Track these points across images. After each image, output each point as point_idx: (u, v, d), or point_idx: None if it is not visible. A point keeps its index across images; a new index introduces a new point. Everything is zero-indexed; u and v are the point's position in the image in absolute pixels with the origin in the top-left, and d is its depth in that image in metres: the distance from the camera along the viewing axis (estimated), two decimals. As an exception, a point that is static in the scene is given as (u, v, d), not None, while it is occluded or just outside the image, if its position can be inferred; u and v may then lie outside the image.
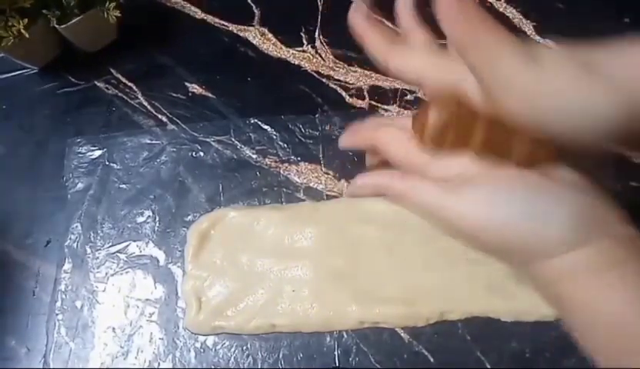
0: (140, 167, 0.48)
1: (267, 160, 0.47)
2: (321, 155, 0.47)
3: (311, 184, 0.46)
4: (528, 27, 0.51)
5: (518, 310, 0.39)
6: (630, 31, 0.53)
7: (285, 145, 0.48)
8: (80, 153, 0.49)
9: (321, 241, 0.42)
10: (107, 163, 0.48)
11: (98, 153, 0.49)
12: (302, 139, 0.48)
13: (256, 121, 0.49)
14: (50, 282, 0.44)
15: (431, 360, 0.39)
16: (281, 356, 0.40)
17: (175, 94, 0.51)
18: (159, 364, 0.41)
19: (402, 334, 0.40)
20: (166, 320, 0.42)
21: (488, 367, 0.39)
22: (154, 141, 0.49)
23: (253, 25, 0.54)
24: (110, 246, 0.45)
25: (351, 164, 0.46)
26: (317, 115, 0.48)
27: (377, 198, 0.44)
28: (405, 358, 0.39)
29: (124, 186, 0.47)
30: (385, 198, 0.30)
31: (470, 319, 0.40)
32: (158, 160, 0.48)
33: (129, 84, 0.52)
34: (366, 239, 0.42)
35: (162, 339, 0.41)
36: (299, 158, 0.47)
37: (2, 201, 0.48)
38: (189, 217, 0.45)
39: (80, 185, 0.47)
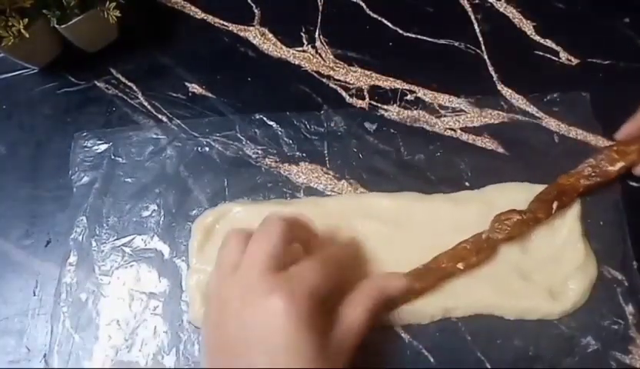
0: (145, 162, 0.48)
1: (267, 160, 0.47)
2: (326, 151, 0.47)
3: (311, 184, 0.46)
4: (528, 27, 0.51)
5: (521, 308, 0.39)
6: (630, 31, 0.53)
7: (291, 142, 0.48)
8: (86, 147, 0.49)
9: (325, 236, 0.42)
10: (112, 157, 0.48)
11: (103, 147, 0.49)
12: (307, 135, 0.48)
13: (261, 116, 0.49)
14: (50, 282, 0.44)
15: (432, 360, 0.39)
16: (282, 352, 0.40)
17: (175, 94, 0.51)
18: (163, 357, 0.41)
19: (402, 334, 0.40)
20: (170, 313, 0.42)
21: (489, 367, 0.39)
22: (159, 136, 0.49)
23: (253, 25, 0.54)
24: (115, 239, 0.45)
25: (355, 161, 0.46)
26: (322, 112, 0.49)
27: (381, 194, 0.44)
28: (407, 356, 0.39)
29: (129, 180, 0.47)
30: None
31: (471, 318, 0.40)
32: (164, 154, 0.48)
33: (129, 84, 0.52)
34: (370, 234, 0.42)
35: (166, 332, 0.41)
36: (304, 154, 0.47)
37: (2, 201, 0.48)
38: (194, 212, 0.45)
39: (85, 179, 0.47)
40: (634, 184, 0.44)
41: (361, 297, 0.36)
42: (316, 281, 0.33)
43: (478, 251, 0.40)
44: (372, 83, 0.50)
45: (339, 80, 0.51)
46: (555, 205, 0.41)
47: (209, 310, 0.35)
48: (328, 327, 0.33)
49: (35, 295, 0.44)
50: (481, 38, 0.51)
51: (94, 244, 0.45)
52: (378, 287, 0.37)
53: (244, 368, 0.31)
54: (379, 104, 0.49)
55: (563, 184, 0.42)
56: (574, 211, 0.42)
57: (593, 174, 0.42)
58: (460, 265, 0.39)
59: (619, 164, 0.42)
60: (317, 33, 0.53)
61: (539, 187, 0.43)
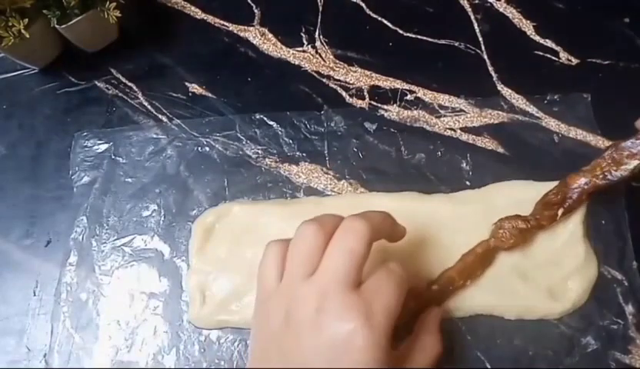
0: (146, 162, 0.48)
1: (267, 160, 0.47)
2: (326, 151, 0.47)
3: (311, 184, 0.46)
4: (528, 27, 0.51)
5: (521, 308, 0.39)
6: (630, 31, 0.53)
7: (291, 141, 0.48)
8: (86, 146, 0.49)
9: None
10: (113, 157, 0.48)
11: (104, 146, 0.49)
12: (307, 135, 0.48)
13: (261, 116, 0.49)
14: (50, 282, 0.44)
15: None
16: (284, 352, 0.40)
17: (175, 94, 0.51)
18: (163, 357, 0.41)
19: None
20: (170, 313, 0.42)
21: (489, 367, 0.39)
22: (159, 136, 0.49)
23: (253, 25, 0.54)
24: (115, 239, 0.45)
25: (355, 161, 0.46)
26: (322, 112, 0.49)
27: (381, 194, 0.44)
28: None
29: (129, 180, 0.47)
30: None
31: (471, 318, 0.40)
32: (164, 154, 0.48)
33: (129, 84, 0.52)
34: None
35: (166, 332, 0.42)
36: (304, 154, 0.47)
37: (2, 201, 0.48)
38: (194, 212, 0.45)
39: (86, 179, 0.48)
40: (635, 184, 0.44)
41: (434, 326, 0.37)
42: (392, 303, 0.31)
43: (483, 263, 0.40)
44: (372, 83, 0.50)
45: (339, 80, 0.51)
46: (560, 212, 0.40)
47: (271, 302, 0.33)
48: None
49: (35, 295, 0.44)
50: (481, 38, 0.51)
51: (94, 244, 0.45)
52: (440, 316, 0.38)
53: None
54: (379, 104, 0.49)
55: (570, 185, 0.40)
56: (576, 212, 0.42)
57: (606, 172, 0.40)
58: (468, 282, 0.39)
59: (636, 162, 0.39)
60: (317, 33, 0.53)
61: (539, 186, 0.42)
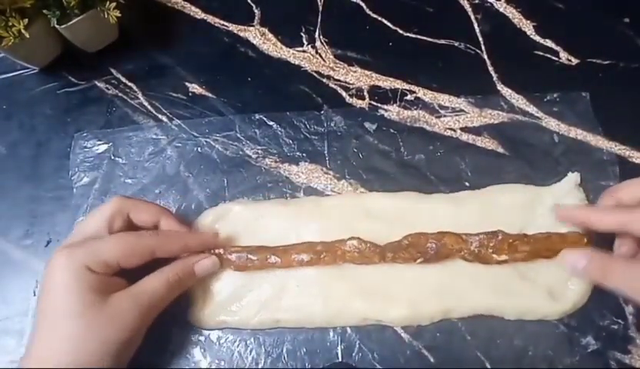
0: (145, 162, 0.48)
1: (267, 160, 0.47)
2: (325, 151, 0.47)
3: (311, 184, 0.46)
4: (528, 27, 0.51)
5: (521, 308, 0.39)
6: (630, 31, 0.53)
7: (291, 142, 0.48)
8: (86, 147, 0.49)
9: (325, 236, 0.42)
10: (112, 157, 0.48)
11: (103, 147, 0.49)
12: (307, 135, 0.48)
13: (261, 116, 0.49)
14: (50, 282, 0.44)
15: (432, 360, 0.39)
16: (284, 351, 0.40)
17: (175, 94, 0.51)
18: (163, 357, 0.41)
19: (402, 334, 0.40)
20: (171, 313, 0.42)
21: (489, 367, 0.39)
22: (159, 136, 0.49)
23: (253, 25, 0.54)
24: None
25: (355, 161, 0.46)
26: (322, 112, 0.49)
27: (381, 193, 0.44)
28: (407, 355, 0.39)
29: (129, 181, 0.47)
30: None
31: (471, 318, 0.40)
32: (164, 155, 0.48)
33: (129, 84, 0.52)
34: (371, 235, 0.42)
35: (167, 332, 0.41)
36: (304, 154, 0.47)
37: (2, 201, 0.48)
38: (194, 212, 0.45)
39: (86, 179, 0.48)
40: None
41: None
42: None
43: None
44: (372, 83, 0.50)
45: (339, 80, 0.51)
46: (418, 261, 0.40)
47: None
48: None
49: (34, 295, 0.44)
50: (481, 38, 0.51)
51: (94, 244, 0.45)
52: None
53: None
54: (379, 104, 0.49)
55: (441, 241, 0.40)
56: None
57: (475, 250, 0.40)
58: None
59: (504, 257, 0.39)
60: (317, 33, 0.53)
61: (538, 189, 0.43)
